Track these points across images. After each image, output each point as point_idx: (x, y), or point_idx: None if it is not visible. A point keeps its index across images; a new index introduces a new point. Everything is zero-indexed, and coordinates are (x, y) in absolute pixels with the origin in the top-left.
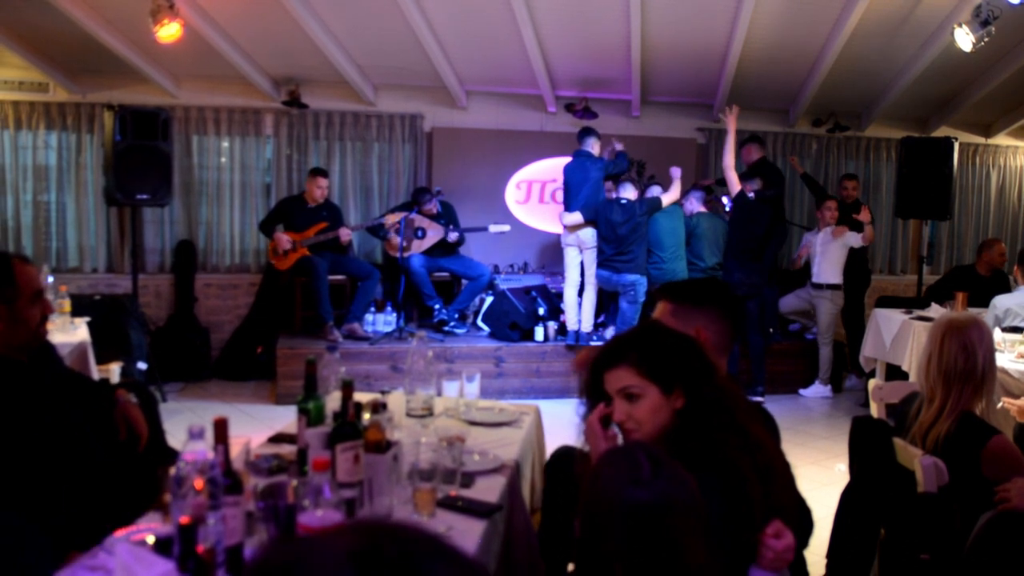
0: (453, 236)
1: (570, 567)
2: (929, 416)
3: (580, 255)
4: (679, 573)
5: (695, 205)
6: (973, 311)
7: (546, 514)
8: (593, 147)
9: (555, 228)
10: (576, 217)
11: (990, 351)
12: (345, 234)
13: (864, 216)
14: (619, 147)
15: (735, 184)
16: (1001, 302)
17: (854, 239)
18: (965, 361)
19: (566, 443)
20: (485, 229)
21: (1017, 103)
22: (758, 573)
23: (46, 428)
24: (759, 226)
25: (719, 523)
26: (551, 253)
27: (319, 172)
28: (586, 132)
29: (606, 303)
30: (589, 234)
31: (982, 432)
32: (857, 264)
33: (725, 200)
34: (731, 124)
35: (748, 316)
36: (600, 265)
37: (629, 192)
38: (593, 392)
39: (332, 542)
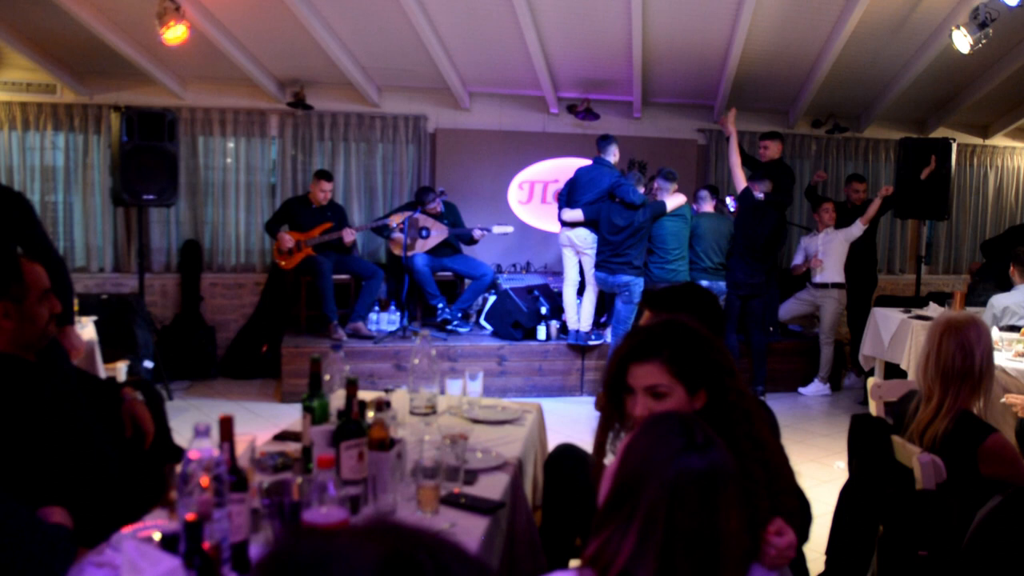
0: (479, 233)
1: (573, 564)
2: (927, 414)
3: (576, 256)
4: (716, 538)
5: (703, 205)
6: (971, 310)
7: (547, 511)
8: (613, 156)
9: (557, 228)
10: (576, 214)
11: (988, 350)
12: (348, 235)
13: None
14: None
15: (740, 182)
16: (999, 301)
17: (856, 229)
18: (963, 360)
19: (567, 440)
20: (489, 230)
21: (1014, 104)
22: (760, 571)
23: (53, 427)
24: (765, 227)
25: None
26: (553, 253)
27: (323, 175)
28: (608, 140)
29: (608, 303)
30: (583, 237)
31: (980, 430)
32: (864, 265)
33: (729, 200)
34: (731, 125)
35: (752, 315)
36: (597, 266)
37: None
38: (615, 383)
39: (363, 545)
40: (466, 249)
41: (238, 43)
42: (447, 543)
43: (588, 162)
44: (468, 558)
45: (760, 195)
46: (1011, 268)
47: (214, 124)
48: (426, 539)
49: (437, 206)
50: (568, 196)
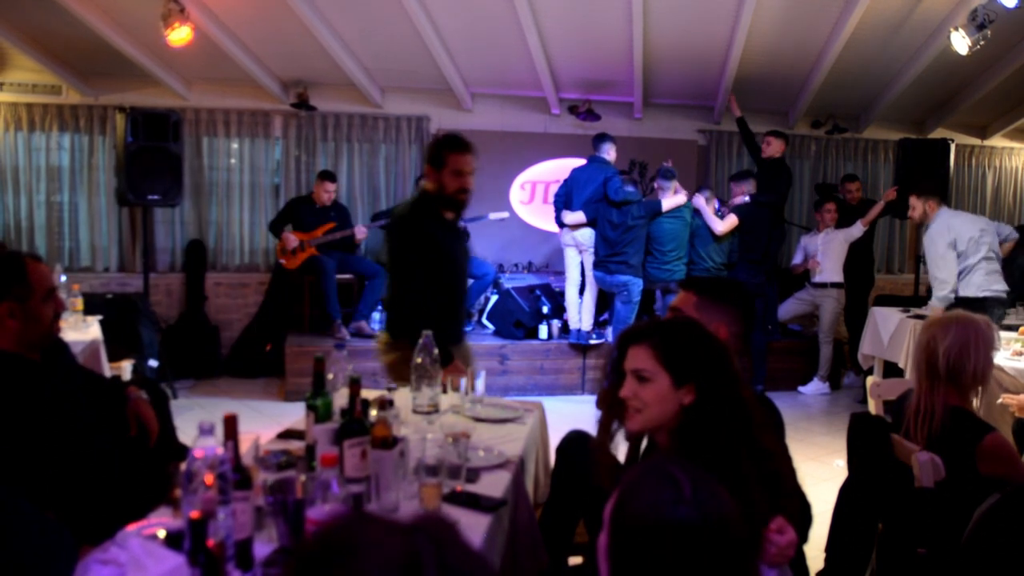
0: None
1: (572, 561)
2: (923, 413)
3: (579, 255)
4: None
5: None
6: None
7: (553, 495)
8: (608, 153)
9: (558, 228)
10: (579, 216)
11: (985, 349)
12: (360, 231)
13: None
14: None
15: (733, 219)
16: (952, 230)
17: (856, 230)
18: (959, 358)
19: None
20: (485, 217)
21: (1013, 105)
22: (761, 568)
23: (52, 426)
24: (761, 228)
25: None
26: (555, 253)
27: (327, 176)
28: (602, 138)
29: (609, 301)
30: (586, 236)
31: (977, 429)
32: (861, 264)
33: (715, 204)
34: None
35: (755, 315)
36: (595, 266)
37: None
38: (617, 366)
39: (391, 538)
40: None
41: (242, 45)
42: (471, 552)
43: (584, 162)
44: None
45: (747, 198)
46: (925, 203)
47: (218, 125)
48: (451, 557)
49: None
50: (566, 197)
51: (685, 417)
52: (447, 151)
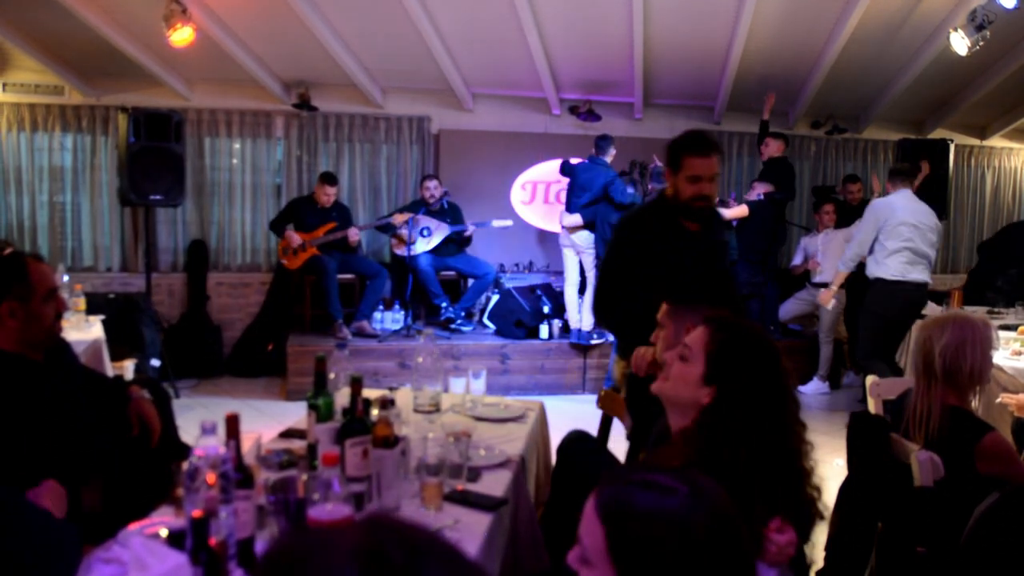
0: (471, 229)
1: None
2: (921, 412)
3: (577, 256)
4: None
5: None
6: (968, 310)
7: (554, 495)
8: (610, 156)
9: (559, 228)
10: (576, 219)
11: (982, 348)
12: (353, 234)
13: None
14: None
15: (743, 208)
16: (886, 215)
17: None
18: (955, 358)
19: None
20: (488, 224)
21: (1012, 106)
22: (761, 567)
23: (58, 426)
24: (763, 227)
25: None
26: (555, 252)
27: (327, 179)
28: (607, 140)
29: None
30: (583, 237)
31: (976, 429)
32: (861, 265)
33: (731, 202)
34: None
35: (750, 315)
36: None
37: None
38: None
39: (341, 539)
40: (469, 249)
41: (244, 45)
42: (428, 536)
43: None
44: (447, 550)
45: (761, 196)
46: (888, 183)
47: (220, 125)
48: (404, 532)
49: (434, 193)
50: (568, 199)
51: (700, 420)
52: (683, 153)
